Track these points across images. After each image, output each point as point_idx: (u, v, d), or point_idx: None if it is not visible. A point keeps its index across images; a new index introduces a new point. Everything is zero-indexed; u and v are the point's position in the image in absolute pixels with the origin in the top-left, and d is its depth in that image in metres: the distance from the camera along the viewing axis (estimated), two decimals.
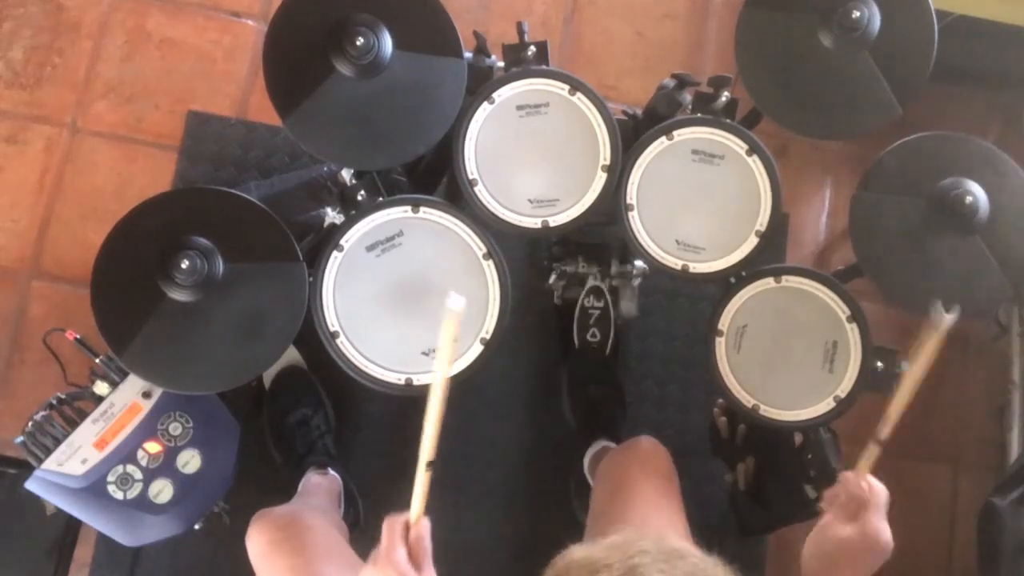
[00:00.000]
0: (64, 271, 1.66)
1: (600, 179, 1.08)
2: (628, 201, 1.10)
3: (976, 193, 1.09)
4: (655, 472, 1.20)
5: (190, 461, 1.20)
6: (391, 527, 0.86)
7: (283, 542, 1.12)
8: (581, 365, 1.62)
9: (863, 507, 0.93)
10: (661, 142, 1.10)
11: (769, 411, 1.12)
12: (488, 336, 1.08)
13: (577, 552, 0.67)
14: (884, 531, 0.92)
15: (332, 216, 1.19)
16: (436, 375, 0.87)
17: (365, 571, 0.86)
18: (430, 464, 0.88)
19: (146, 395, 1.19)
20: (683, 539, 1.10)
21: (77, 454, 1.16)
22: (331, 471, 1.47)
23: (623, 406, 1.61)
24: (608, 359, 1.62)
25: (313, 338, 1.06)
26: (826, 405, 1.12)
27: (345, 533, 1.30)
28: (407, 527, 0.87)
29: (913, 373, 0.94)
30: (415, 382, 1.07)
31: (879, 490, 0.94)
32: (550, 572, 0.67)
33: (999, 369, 1.74)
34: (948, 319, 0.93)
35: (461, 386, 1.07)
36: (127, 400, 1.19)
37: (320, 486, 1.42)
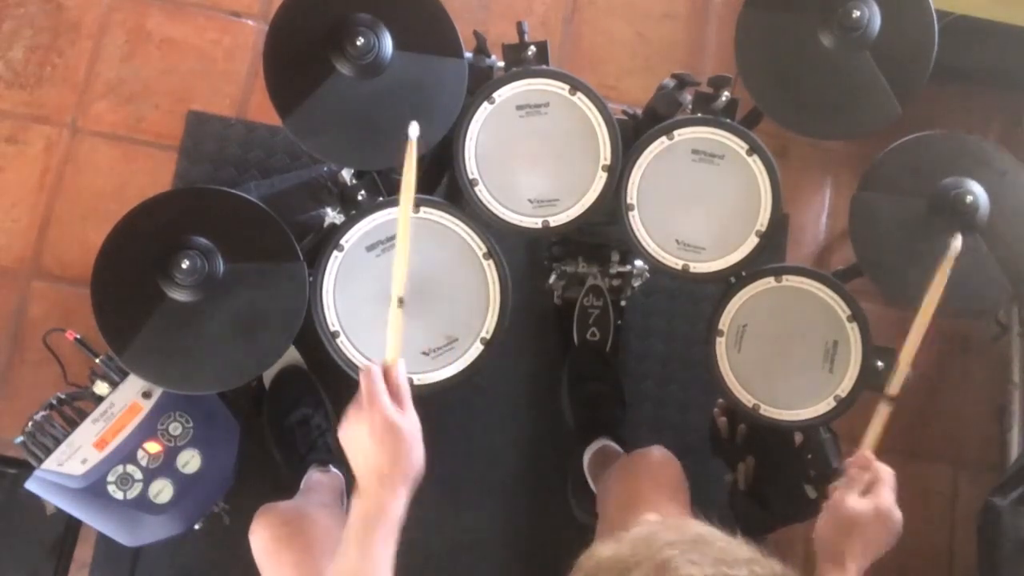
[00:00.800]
0: (64, 271, 1.66)
1: (600, 179, 1.08)
2: (628, 201, 1.10)
3: (976, 193, 1.09)
4: (667, 484, 1.19)
5: (190, 461, 1.20)
6: (369, 374, 0.87)
7: (288, 537, 1.12)
8: (581, 362, 1.62)
9: (875, 482, 0.96)
10: (661, 142, 1.10)
11: (769, 411, 1.12)
12: (488, 336, 1.07)
13: (603, 551, 0.67)
14: (896, 508, 0.95)
15: (332, 216, 1.19)
16: (401, 201, 0.88)
17: (348, 422, 0.86)
18: (400, 300, 0.88)
19: (146, 395, 1.19)
20: None
21: (77, 454, 1.16)
22: (333, 468, 1.47)
23: (623, 405, 1.61)
24: (608, 356, 1.62)
25: (313, 338, 1.06)
26: (826, 405, 1.12)
27: None
28: (385, 371, 0.87)
29: (925, 309, 0.97)
30: (415, 382, 1.06)
31: (888, 469, 0.98)
32: (579, 574, 0.68)
33: (999, 369, 1.74)
34: (955, 245, 0.98)
35: (461, 386, 1.08)
36: (127, 400, 1.19)
37: (322, 483, 1.42)
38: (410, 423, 0.86)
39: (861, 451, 1.01)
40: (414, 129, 0.92)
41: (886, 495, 0.95)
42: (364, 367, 0.88)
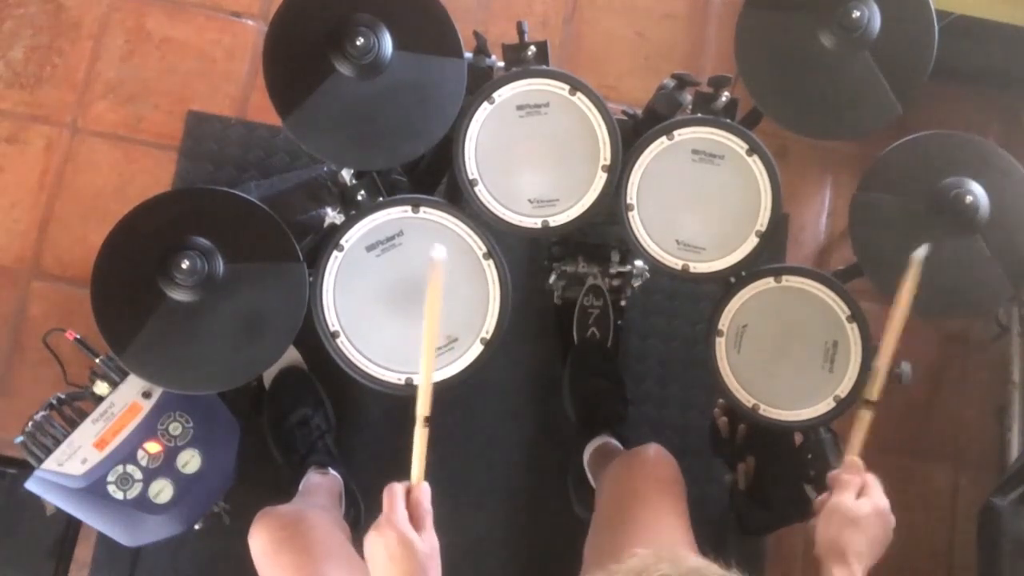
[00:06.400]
0: (64, 271, 1.66)
1: (600, 179, 1.08)
2: (628, 201, 1.10)
3: (976, 193, 1.09)
4: (662, 481, 1.20)
5: (190, 461, 1.20)
6: (391, 493, 0.88)
7: (287, 541, 1.12)
8: (582, 358, 1.62)
9: (868, 485, 0.99)
10: (661, 142, 1.10)
11: (769, 411, 1.12)
12: (488, 336, 1.08)
13: None
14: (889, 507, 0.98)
15: (332, 216, 1.19)
16: (425, 325, 0.87)
17: (368, 537, 0.88)
18: (427, 420, 0.89)
19: (146, 395, 1.19)
20: (691, 550, 1.10)
21: (77, 454, 1.17)
22: (331, 471, 1.47)
23: (624, 401, 1.61)
24: (610, 352, 1.62)
25: (313, 338, 1.06)
26: (826, 405, 1.12)
27: (347, 532, 1.30)
28: (407, 492, 0.89)
29: (895, 320, 0.97)
30: (415, 382, 1.06)
31: (873, 475, 1.01)
32: None
33: (999, 369, 1.74)
34: (920, 252, 0.99)
35: (461, 386, 1.08)
36: (127, 400, 1.19)
37: (321, 486, 1.42)
38: (427, 545, 0.87)
39: (849, 457, 1.02)
40: (439, 251, 0.89)
41: (881, 496, 0.98)
42: (388, 487, 0.89)
